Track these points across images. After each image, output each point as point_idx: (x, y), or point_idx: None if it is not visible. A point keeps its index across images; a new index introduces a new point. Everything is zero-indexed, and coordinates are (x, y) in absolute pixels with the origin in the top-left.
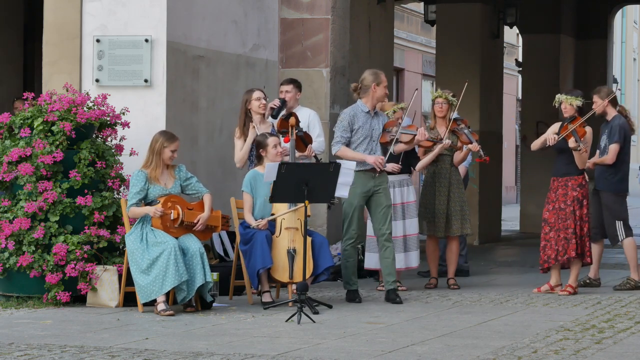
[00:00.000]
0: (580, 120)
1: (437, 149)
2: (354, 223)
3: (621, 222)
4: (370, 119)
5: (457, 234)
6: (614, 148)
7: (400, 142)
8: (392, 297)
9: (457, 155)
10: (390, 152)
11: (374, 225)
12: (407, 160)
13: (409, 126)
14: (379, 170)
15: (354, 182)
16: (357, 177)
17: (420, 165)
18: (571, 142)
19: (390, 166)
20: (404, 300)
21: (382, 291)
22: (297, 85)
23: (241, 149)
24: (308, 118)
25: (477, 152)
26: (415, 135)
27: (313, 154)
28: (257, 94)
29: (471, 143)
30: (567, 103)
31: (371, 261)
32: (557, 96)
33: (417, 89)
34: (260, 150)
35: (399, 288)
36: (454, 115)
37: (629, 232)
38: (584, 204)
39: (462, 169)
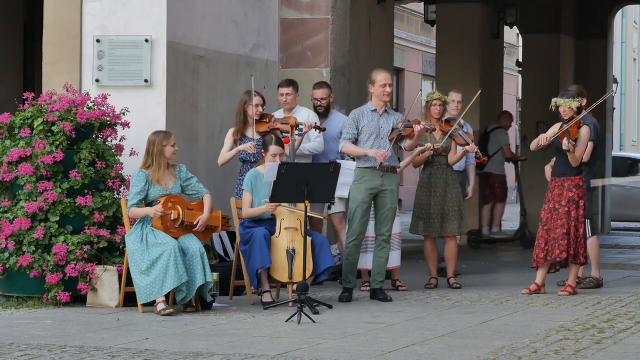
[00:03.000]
0: (576, 119)
1: (417, 150)
2: (357, 220)
3: (589, 220)
4: (377, 117)
5: (455, 234)
6: (589, 146)
7: (404, 136)
8: (380, 296)
9: (452, 157)
10: (404, 149)
11: (375, 224)
12: None
13: (414, 121)
14: (380, 161)
15: (362, 178)
16: (364, 173)
17: (402, 164)
18: (564, 143)
19: (377, 152)
20: (404, 300)
21: (364, 291)
22: (295, 87)
23: (229, 149)
24: (307, 118)
25: (474, 152)
26: (412, 128)
27: (307, 126)
28: (256, 100)
29: (467, 144)
30: (566, 106)
31: (366, 261)
32: (554, 100)
33: (420, 90)
34: (262, 150)
35: (400, 288)
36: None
37: (594, 231)
38: (579, 204)
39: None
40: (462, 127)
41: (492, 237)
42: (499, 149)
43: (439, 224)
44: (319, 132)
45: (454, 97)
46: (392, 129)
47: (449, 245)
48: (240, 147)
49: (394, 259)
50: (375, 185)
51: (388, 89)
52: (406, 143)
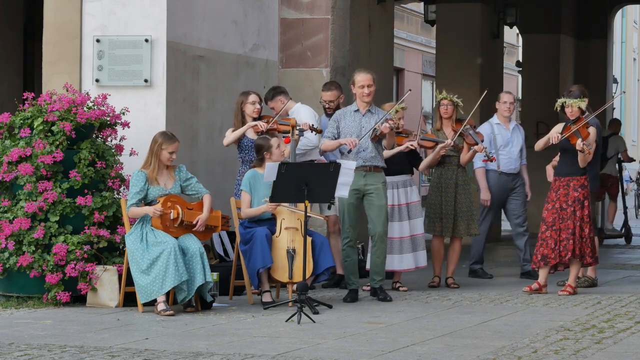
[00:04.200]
0: (584, 121)
1: (438, 148)
2: (346, 222)
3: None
4: (360, 117)
5: (464, 234)
6: (593, 147)
7: (377, 136)
8: (381, 296)
9: (463, 156)
10: (384, 148)
11: (368, 224)
12: (410, 161)
13: (389, 120)
14: (350, 148)
15: None
16: None
17: (422, 165)
18: (578, 144)
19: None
20: (404, 300)
21: (368, 290)
22: (270, 97)
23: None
24: (304, 118)
25: (483, 152)
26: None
27: (306, 127)
28: (252, 98)
29: (477, 144)
30: (575, 106)
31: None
32: (561, 100)
33: (410, 90)
34: (264, 152)
35: (400, 288)
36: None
37: (595, 231)
38: (585, 204)
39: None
40: (474, 126)
41: (606, 234)
42: (615, 153)
43: (451, 224)
44: (315, 134)
45: (506, 98)
46: (374, 129)
47: (454, 245)
48: (252, 123)
49: (422, 259)
50: (358, 185)
51: (366, 90)
52: (384, 143)
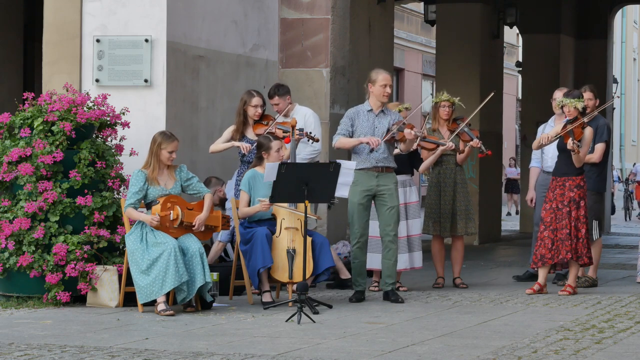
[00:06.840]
0: (581, 120)
1: (439, 151)
2: (356, 223)
3: (597, 222)
4: (373, 117)
5: (462, 233)
6: (601, 147)
7: (396, 139)
8: (392, 298)
9: (460, 155)
10: (400, 152)
11: (379, 225)
12: (410, 162)
13: (407, 125)
14: (372, 147)
15: (356, 181)
16: (358, 176)
17: (422, 167)
18: (569, 144)
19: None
20: (404, 300)
21: (374, 291)
22: (282, 93)
23: (225, 140)
24: (304, 118)
25: (479, 147)
26: (403, 131)
27: (304, 134)
28: (255, 101)
29: (472, 140)
30: (571, 106)
31: (372, 261)
32: (559, 100)
33: (431, 94)
34: (263, 152)
35: (400, 288)
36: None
37: (601, 232)
38: (580, 205)
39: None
40: (470, 125)
41: None
42: None
43: (449, 223)
44: (312, 142)
45: (556, 94)
46: (387, 130)
47: (457, 245)
48: (237, 143)
49: (417, 260)
50: (370, 186)
51: (388, 89)
52: (401, 147)
